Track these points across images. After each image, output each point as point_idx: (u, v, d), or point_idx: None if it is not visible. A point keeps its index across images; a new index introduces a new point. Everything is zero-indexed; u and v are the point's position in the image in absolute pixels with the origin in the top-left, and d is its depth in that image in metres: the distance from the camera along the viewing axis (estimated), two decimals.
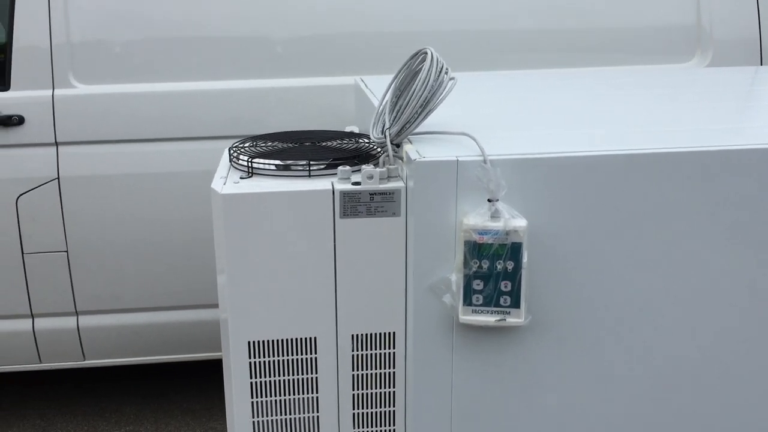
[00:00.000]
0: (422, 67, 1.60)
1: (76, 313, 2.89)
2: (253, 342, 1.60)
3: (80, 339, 2.91)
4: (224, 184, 1.58)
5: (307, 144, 1.78)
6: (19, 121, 2.73)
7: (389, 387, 1.66)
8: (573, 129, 1.71)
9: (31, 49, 2.73)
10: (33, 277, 2.83)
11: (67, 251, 2.82)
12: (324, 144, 1.79)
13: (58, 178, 2.76)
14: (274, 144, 1.76)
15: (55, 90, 2.75)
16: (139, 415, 3.15)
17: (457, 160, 1.49)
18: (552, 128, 1.73)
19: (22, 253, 2.80)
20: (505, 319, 1.51)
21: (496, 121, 1.83)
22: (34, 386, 3.36)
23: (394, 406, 1.68)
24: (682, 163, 1.50)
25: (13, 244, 2.79)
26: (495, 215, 1.46)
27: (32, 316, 2.87)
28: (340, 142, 1.80)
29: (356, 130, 2.12)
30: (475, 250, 1.47)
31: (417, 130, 1.65)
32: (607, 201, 1.51)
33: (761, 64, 3.03)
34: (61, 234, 2.80)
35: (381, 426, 1.69)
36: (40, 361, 2.93)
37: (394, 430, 1.69)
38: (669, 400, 1.61)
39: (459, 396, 1.60)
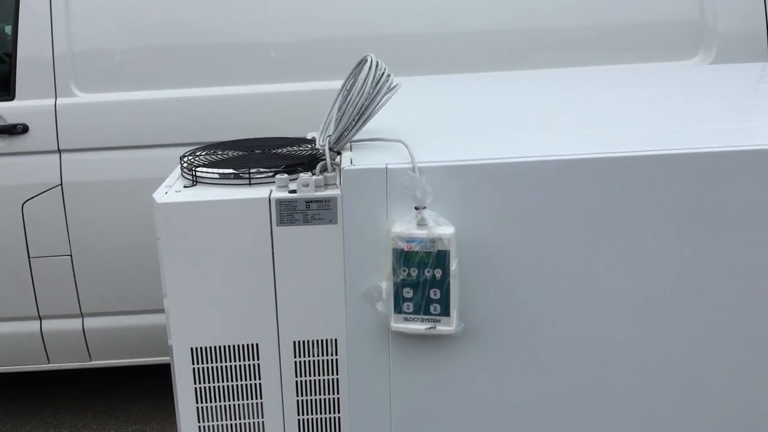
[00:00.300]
0: (360, 74, 1.60)
1: (82, 315, 2.97)
2: (196, 348, 1.63)
3: (86, 340, 2.99)
4: (166, 192, 1.61)
5: (258, 152, 1.80)
6: (23, 129, 2.83)
7: (333, 393, 1.67)
8: (520, 133, 1.69)
9: (34, 59, 2.82)
10: (39, 281, 2.92)
11: (71, 255, 2.91)
12: (275, 151, 1.80)
13: (62, 184, 2.85)
14: (224, 152, 1.79)
15: (57, 99, 2.83)
16: (146, 415, 3.22)
17: (386, 167, 1.49)
18: (502, 133, 1.71)
19: (29, 257, 2.90)
20: (435, 327, 1.50)
21: (449, 125, 1.82)
22: (49, 386, 3.47)
23: (339, 413, 1.68)
24: (613, 168, 1.47)
25: (20, 249, 2.89)
26: (421, 223, 1.46)
27: (40, 318, 2.96)
28: (291, 149, 1.82)
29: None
30: (403, 258, 1.47)
31: (360, 137, 1.65)
32: (538, 207, 1.49)
33: None
34: (65, 238, 2.89)
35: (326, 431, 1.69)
36: (49, 362, 3.03)
37: None
38: (607, 405, 1.58)
39: (398, 403, 1.59)
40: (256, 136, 2.28)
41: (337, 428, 1.69)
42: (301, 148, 1.83)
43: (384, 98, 1.61)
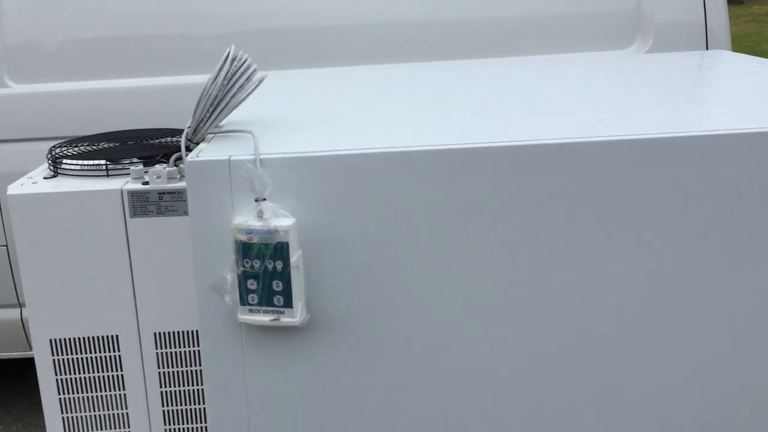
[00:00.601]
0: (216, 67, 1.59)
1: (20, 305, 2.99)
2: (55, 340, 1.63)
3: (25, 330, 3.01)
4: (22, 184, 1.61)
5: (130, 143, 1.80)
6: None
7: (197, 384, 1.67)
8: (381, 125, 1.67)
9: None
10: None
11: (6, 245, 2.92)
12: (149, 142, 1.80)
13: None
14: (96, 144, 1.79)
15: None
16: None
17: (230, 159, 1.48)
18: (367, 125, 1.69)
19: None
20: (279, 319, 1.49)
21: (326, 117, 1.80)
22: None
23: (204, 403, 1.68)
24: (457, 160, 1.45)
25: None
26: (260, 215, 1.45)
27: None
28: (166, 140, 1.81)
29: None
30: (243, 249, 1.46)
31: (223, 128, 1.64)
32: (383, 199, 1.47)
33: (707, 49, 2.88)
34: (0, 229, 2.90)
35: (192, 423, 1.69)
36: None
37: (205, 427, 1.69)
38: (462, 401, 1.57)
39: (254, 393, 1.59)
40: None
41: (203, 419, 1.69)
42: (176, 139, 1.82)
43: (243, 91, 1.60)
